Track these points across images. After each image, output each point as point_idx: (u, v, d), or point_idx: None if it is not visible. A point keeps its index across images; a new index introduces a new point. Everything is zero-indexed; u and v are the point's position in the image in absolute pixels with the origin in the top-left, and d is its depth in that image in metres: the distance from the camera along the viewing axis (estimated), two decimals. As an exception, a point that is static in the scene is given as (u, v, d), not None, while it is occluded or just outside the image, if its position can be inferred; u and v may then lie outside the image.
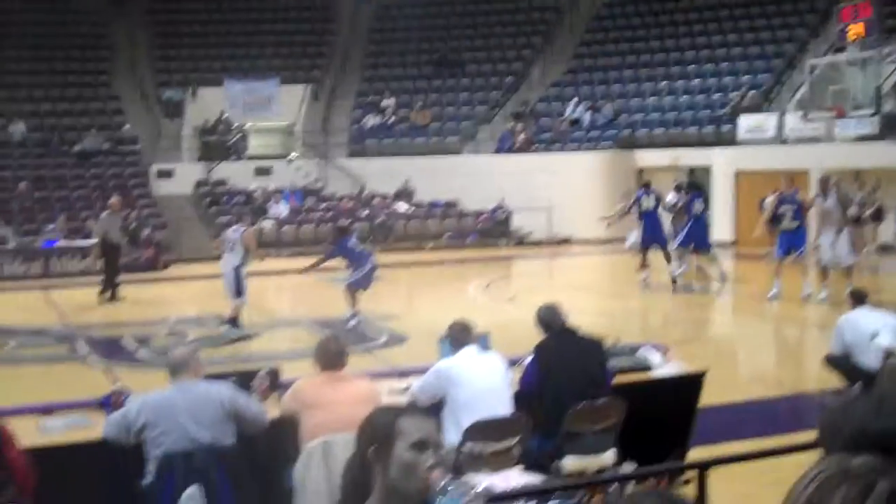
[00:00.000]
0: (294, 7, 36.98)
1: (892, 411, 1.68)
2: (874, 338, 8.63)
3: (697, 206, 18.21)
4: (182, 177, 28.73)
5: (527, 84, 33.19)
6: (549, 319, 6.70)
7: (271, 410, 6.06)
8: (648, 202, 18.10)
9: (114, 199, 19.60)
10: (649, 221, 18.02)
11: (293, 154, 31.27)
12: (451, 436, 5.89)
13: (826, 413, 1.76)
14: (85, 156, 28.66)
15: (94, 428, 5.83)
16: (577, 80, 32.48)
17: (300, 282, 20.92)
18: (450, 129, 31.49)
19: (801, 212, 15.98)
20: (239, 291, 14.17)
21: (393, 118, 31.74)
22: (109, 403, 6.11)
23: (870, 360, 8.56)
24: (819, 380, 9.79)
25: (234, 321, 14.21)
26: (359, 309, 14.57)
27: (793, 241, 15.83)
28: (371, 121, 31.68)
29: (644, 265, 17.98)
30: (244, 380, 6.39)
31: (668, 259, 18.04)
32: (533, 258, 25.40)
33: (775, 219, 16.25)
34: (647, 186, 19.00)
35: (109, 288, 18.24)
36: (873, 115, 21.42)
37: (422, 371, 6.51)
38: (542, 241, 26.76)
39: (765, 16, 31.29)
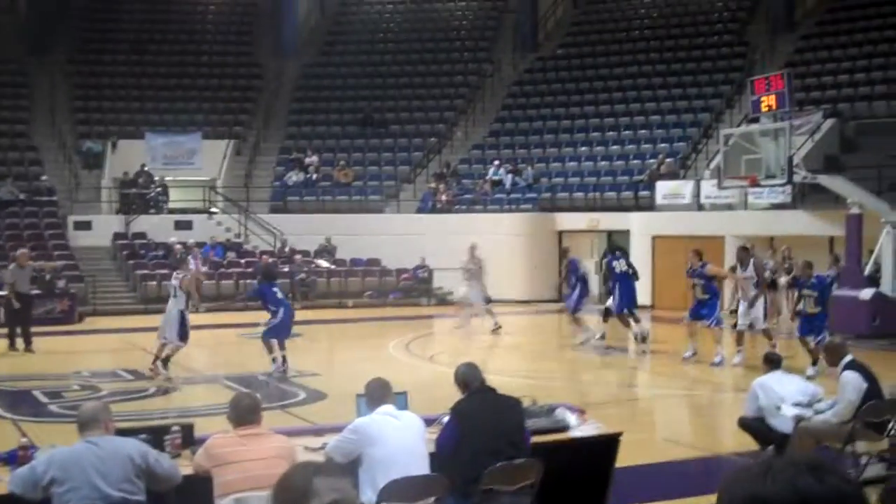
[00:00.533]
0: (219, 62, 37.00)
1: (780, 478, 1.74)
2: (786, 402, 8.79)
3: (619, 266, 18.40)
4: (100, 229, 28.33)
5: (449, 145, 33.52)
6: (468, 378, 6.71)
7: (184, 467, 5.95)
8: (620, 265, 18.28)
9: (20, 252, 19.24)
10: (625, 285, 18.08)
11: (214, 209, 31.03)
12: (367, 495, 5.84)
13: (724, 479, 1.81)
14: (1, 205, 28.07)
15: (-2, 483, 5.66)
16: (498, 142, 32.93)
17: (217, 337, 20.69)
18: (372, 187, 31.60)
19: (711, 285, 16.62)
20: (182, 335, 14.65)
21: (316, 175, 31.75)
22: (16, 459, 5.94)
23: (782, 423, 8.71)
24: (734, 442, 9.92)
25: (165, 362, 14.48)
26: (277, 356, 14.66)
27: (702, 312, 16.44)
28: (294, 177, 31.63)
29: (628, 326, 18.32)
30: (157, 435, 6.29)
31: (636, 321, 18.39)
32: (454, 317, 25.42)
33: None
34: (616, 251, 19.34)
35: (14, 341, 17.88)
36: (786, 184, 21.97)
37: (339, 429, 6.45)
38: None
39: (682, 85, 32.19)
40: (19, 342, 18.02)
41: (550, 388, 13.88)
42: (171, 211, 30.40)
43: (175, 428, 6.44)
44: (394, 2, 40.75)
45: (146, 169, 30.27)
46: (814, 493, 1.73)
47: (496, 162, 31.00)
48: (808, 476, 1.75)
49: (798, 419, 8.61)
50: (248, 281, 26.54)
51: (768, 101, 21.72)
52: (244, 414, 5.87)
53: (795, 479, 1.74)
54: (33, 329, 18.35)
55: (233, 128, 34.11)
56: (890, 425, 8.37)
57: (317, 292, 27.07)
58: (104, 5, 37.77)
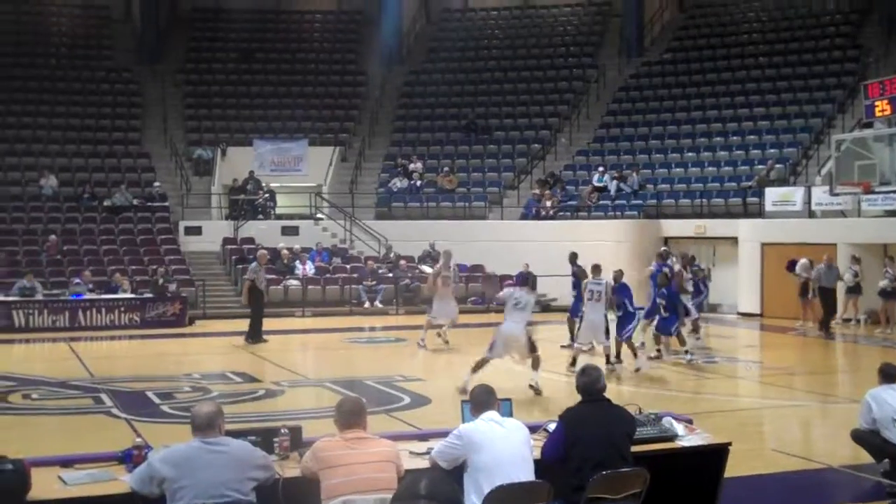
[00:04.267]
0: (325, 70, 37.54)
1: None
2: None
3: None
4: (210, 234, 29.01)
5: (553, 152, 33.38)
6: (587, 386, 6.67)
7: (292, 469, 6.03)
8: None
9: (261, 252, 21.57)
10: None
11: (320, 214, 31.47)
12: (472, 501, 5.83)
13: None
14: (114, 211, 28.97)
15: (113, 482, 5.82)
16: (603, 148, 32.66)
17: (324, 341, 20.98)
18: (476, 193, 31.64)
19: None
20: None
21: (420, 181, 31.93)
22: (131, 458, 6.10)
23: (896, 436, 8.45)
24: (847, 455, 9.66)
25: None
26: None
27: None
28: (398, 184, 31.88)
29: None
30: (265, 437, 6.37)
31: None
32: (557, 324, 25.28)
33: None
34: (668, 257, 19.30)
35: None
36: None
37: (444, 434, 6.46)
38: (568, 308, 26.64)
39: (792, 90, 31.47)
40: None
41: (653, 396, 13.71)
42: (279, 217, 30.94)
43: (284, 430, 6.52)
44: (498, 8, 40.80)
45: (254, 175, 30.88)
46: None
47: (600, 168, 30.75)
48: None
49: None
50: (354, 286, 26.89)
51: (883, 105, 21.19)
52: (350, 417, 5.92)
53: None
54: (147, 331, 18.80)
55: (338, 135, 34.56)
56: None
57: (421, 298, 27.18)
58: (213, 15, 38.76)
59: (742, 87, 32.50)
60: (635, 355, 16.00)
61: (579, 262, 19.39)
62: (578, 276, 18.49)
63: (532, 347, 13.84)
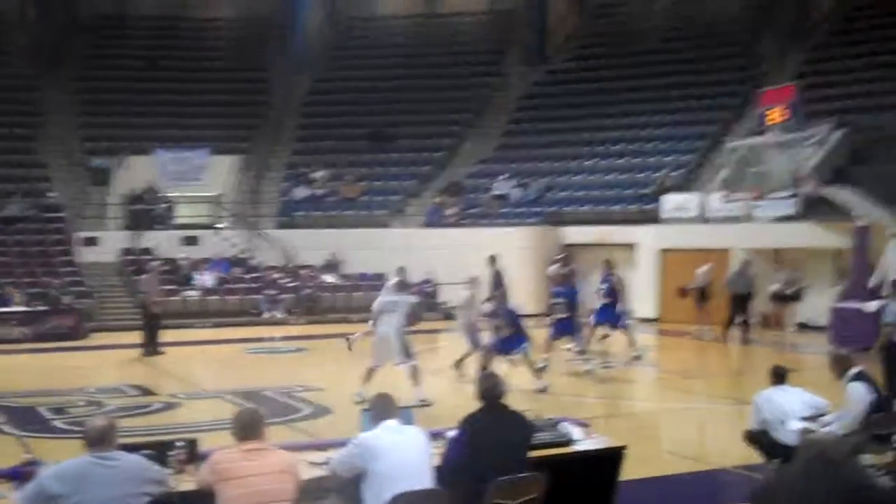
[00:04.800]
0: (228, 78, 37.06)
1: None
2: (792, 416, 8.75)
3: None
4: (107, 245, 28.41)
5: (456, 160, 33.53)
6: (487, 392, 6.72)
7: (188, 483, 5.95)
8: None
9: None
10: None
11: (221, 224, 31.08)
12: (371, 510, 5.84)
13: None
14: (8, 221, 28.16)
15: (1, 501, 5.66)
16: (505, 156, 32.92)
17: (223, 352, 20.73)
18: (379, 202, 31.63)
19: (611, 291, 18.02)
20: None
21: (323, 190, 31.78)
22: (19, 475, 5.95)
23: (787, 436, 8.67)
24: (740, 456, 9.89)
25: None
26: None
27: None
28: (301, 192, 31.69)
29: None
30: (160, 451, 6.28)
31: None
32: (459, 332, 25.37)
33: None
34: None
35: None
36: (792, 196, 22.02)
37: (343, 444, 6.45)
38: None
39: (689, 97, 32.15)
40: None
41: (554, 401, 13.86)
42: (179, 227, 30.46)
43: (179, 443, 6.44)
44: (402, 17, 40.83)
45: (154, 185, 30.36)
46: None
47: (503, 176, 31.01)
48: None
49: (806, 430, 8.58)
50: (254, 296, 26.63)
51: (775, 113, 21.78)
52: (247, 429, 5.87)
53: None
54: (41, 345, 18.37)
55: (241, 143, 34.19)
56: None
57: (322, 307, 27.09)
58: (115, 22, 37.94)
59: (641, 94, 33.10)
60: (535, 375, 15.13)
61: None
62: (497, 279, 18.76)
63: (406, 353, 13.74)
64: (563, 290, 16.52)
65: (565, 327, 16.34)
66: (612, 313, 18.34)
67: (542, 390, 14.47)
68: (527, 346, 15.08)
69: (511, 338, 14.95)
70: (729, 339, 21.27)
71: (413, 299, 14.27)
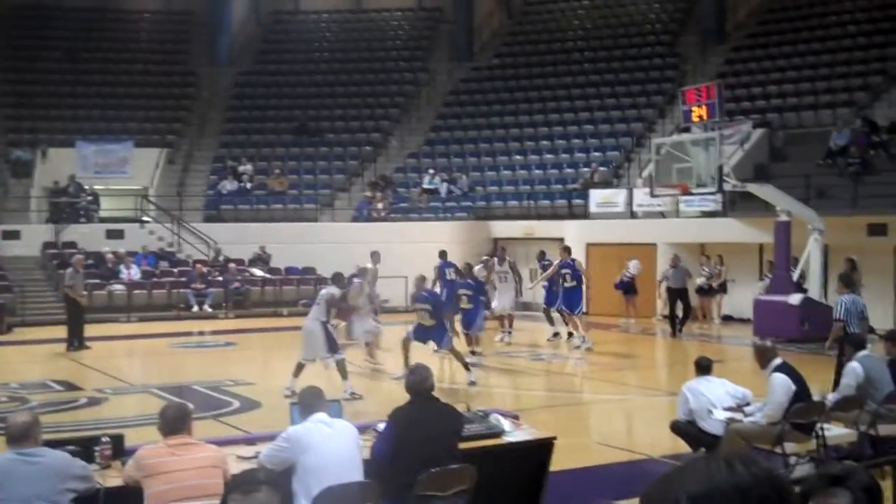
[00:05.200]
0: (152, 70, 36.53)
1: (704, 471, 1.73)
2: (717, 406, 8.93)
3: (449, 274, 19.65)
4: (29, 238, 27.81)
5: (384, 154, 33.49)
6: (416, 385, 6.72)
7: (114, 478, 5.87)
8: (450, 273, 19.66)
9: None
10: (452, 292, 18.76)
11: (146, 217, 30.64)
12: (301, 503, 5.81)
13: (651, 487, 1.78)
14: (-76, 215, 27.47)
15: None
16: (433, 151, 32.98)
17: (150, 347, 20.46)
18: (307, 196, 31.45)
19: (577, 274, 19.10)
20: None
21: (250, 184, 31.51)
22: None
23: (713, 425, 8.84)
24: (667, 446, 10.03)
25: None
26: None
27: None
28: (227, 186, 31.36)
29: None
30: (85, 446, 6.19)
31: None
32: (390, 326, 25.38)
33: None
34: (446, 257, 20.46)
35: None
36: (716, 192, 22.32)
37: (272, 438, 6.42)
38: (399, 309, 26.77)
39: (615, 95, 32.56)
40: None
41: (485, 394, 13.93)
42: (103, 220, 29.94)
43: (105, 439, 6.35)
44: (329, 11, 40.66)
45: (77, 177, 29.79)
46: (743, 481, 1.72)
47: (431, 171, 31.07)
48: (736, 466, 1.74)
49: (730, 420, 8.75)
50: (182, 290, 26.32)
51: (699, 111, 22.04)
52: (174, 423, 5.82)
53: (725, 470, 1.73)
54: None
55: (166, 136, 33.71)
56: (817, 426, 8.54)
57: (251, 301, 26.87)
58: (36, 12, 37.09)
59: (568, 91, 33.41)
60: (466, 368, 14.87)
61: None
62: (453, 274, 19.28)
63: (332, 347, 13.64)
64: (428, 294, 15.67)
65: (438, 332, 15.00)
66: (573, 297, 19.10)
67: (473, 383, 14.51)
68: (449, 339, 15.11)
69: (435, 328, 14.84)
70: (678, 333, 21.48)
71: (334, 291, 14.11)
